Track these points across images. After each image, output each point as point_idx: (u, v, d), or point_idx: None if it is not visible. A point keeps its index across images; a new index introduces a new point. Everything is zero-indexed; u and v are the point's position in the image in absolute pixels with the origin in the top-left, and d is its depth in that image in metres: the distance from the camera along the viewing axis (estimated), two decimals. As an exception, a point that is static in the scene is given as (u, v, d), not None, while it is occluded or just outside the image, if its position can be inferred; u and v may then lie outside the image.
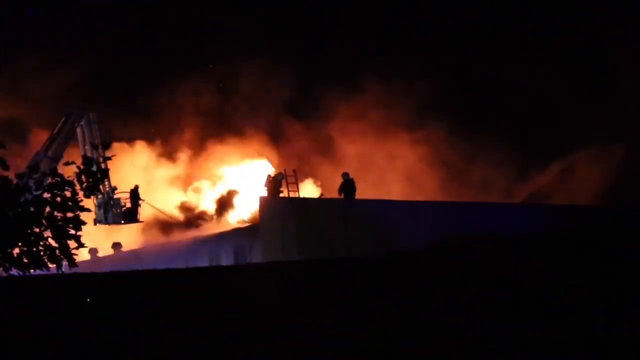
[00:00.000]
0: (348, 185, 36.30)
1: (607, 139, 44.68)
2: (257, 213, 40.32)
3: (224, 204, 49.46)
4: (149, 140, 51.45)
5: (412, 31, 50.00)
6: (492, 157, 47.87)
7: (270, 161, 50.98)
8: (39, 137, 44.54)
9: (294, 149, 51.16)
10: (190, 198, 50.84)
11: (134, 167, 48.58)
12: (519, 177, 47.58)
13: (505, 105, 48.29)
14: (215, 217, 48.89)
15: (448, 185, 47.57)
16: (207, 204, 50.18)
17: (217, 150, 52.04)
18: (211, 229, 47.23)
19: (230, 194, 49.66)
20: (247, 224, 45.02)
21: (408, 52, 48.91)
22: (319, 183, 48.62)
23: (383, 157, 49.62)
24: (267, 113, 51.97)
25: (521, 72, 46.76)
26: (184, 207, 49.86)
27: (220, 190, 50.70)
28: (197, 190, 51.43)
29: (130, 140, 50.29)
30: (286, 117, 52.10)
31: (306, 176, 46.78)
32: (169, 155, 51.88)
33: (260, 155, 51.47)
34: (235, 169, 51.76)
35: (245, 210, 47.53)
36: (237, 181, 51.02)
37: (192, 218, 48.80)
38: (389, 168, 49.08)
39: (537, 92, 47.94)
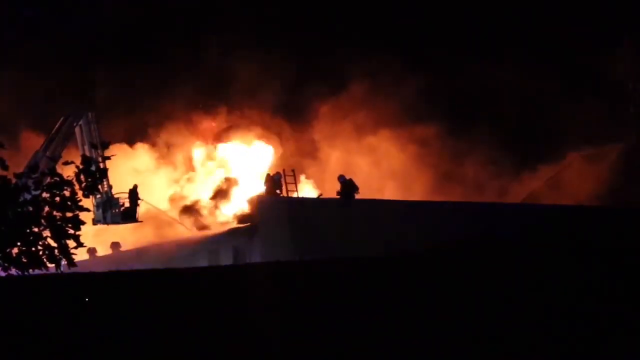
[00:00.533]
0: (347, 187, 36.32)
1: (601, 140, 44.59)
2: (256, 202, 40.59)
3: (221, 193, 48.91)
4: (147, 141, 51.31)
5: (402, 31, 49.80)
6: (483, 158, 47.56)
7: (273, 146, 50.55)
8: (31, 140, 44.49)
9: (284, 150, 50.99)
10: (184, 189, 50.38)
11: (132, 168, 48.29)
12: (511, 178, 47.26)
13: (497, 106, 48.02)
14: (211, 208, 48.28)
15: (438, 186, 47.16)
16: (203, 194, 49.63)
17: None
18: (206, 222, 47.07)
19: (229, 183, 49.10)
20: (244, 216, 44.63)
21: (398, 52, 48.64)
22: (313, 183, 48.33)
23: (371, 158, 49.24)
24: (258, 113, 51.80)
25: (513, 71, 46.52)
26: (176, 199, 49.19)
27: (219, 178, 50.06)
28: (191, 180, 50.86)
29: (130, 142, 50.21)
30: (276, 118, 51.94)
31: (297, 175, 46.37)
32: (166, 157, 51.62)
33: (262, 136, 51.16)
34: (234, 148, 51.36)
35: (243, 200, 46.96)
36: (236, 167, 50.56)
37: (185, 210, 48.27)
38: (377, 169, 48.69)
39: (529, 92, 47.73)
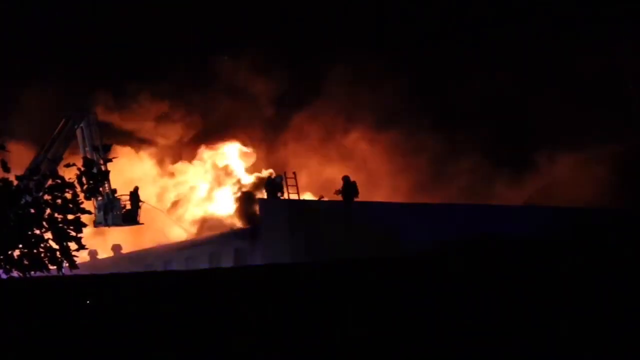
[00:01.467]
0: (348, 188, 36.32)
1: (600, 141, 44.38)
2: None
3: (218, 179, 48.74)
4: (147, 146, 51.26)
5: (387, 32, 49.57)
6: (475, 162, 47.06)
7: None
8: (19, 148, 44.49)
9: (276, 153, 50.84)
10: (178, 178, 50.16)
11: (135, 173, 48.19)
12: (505, 181, 46.73)
13: (491, 107, 47.53)
14: (208, 198, 48.10)
15: (426, 190, 46.60)
16: (197, 184, 49.42)
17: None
18: (201, 205, 47.06)
19: (227, 171, 48.93)
20: (244, 196, 44.48)
21: (380, 54, 48.32)
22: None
23: (354, 164, 48.69)
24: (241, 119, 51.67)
25: (503, 72, 46.19)
26: (163, 192, 48.93)
27: (216, 167, 49.85)
28: (182, 172, 50.59)
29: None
30: (257, 124, 51.80)
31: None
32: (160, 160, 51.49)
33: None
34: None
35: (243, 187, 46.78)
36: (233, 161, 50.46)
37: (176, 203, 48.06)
38: (359, 175, 48.13)
39: (524, 92, 47.34)
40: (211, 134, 51.11)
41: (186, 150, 51.40)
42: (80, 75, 49.18)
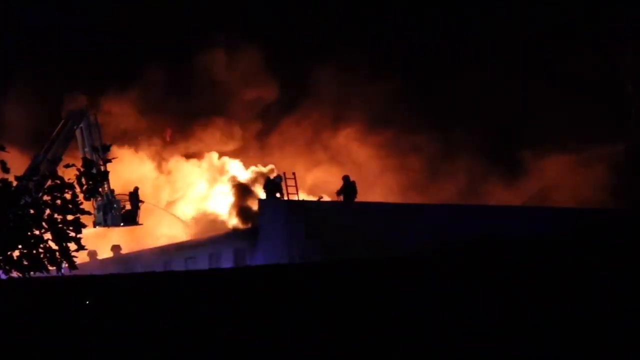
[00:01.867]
0: (348, 188, 36.34)
1: (601, 141, 44.33)
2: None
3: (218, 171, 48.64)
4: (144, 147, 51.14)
5: (380, 33, 49.45)
6: (473, 163, 46.76)
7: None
8: (13, 153, 44.03)
9: (268, 153, 50.73)
10: (173, 177, 50.06)
11: (134, 173, 48.10)
12: (502, 184, 46.46)
13: (490, 109, 47.29)
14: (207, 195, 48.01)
15: (419, 192, 46.28)
16: (193, 181, 49.26)
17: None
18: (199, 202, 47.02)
19: (223, 170, 48.80)
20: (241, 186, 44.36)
21: (372, 54, 48.19)
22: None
23: (344, 167, 48.35)
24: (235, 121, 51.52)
25: (501, 72, 46.05)
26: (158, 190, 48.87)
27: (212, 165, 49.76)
28: (175, 169, 50.41)
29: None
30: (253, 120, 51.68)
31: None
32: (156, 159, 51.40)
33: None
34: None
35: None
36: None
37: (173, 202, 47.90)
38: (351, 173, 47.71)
39: (524, 93, 47.16)
40: (201, 132, 51.18)
41: (178, 149, 51.46)
42: (65, 77, 49.24)
